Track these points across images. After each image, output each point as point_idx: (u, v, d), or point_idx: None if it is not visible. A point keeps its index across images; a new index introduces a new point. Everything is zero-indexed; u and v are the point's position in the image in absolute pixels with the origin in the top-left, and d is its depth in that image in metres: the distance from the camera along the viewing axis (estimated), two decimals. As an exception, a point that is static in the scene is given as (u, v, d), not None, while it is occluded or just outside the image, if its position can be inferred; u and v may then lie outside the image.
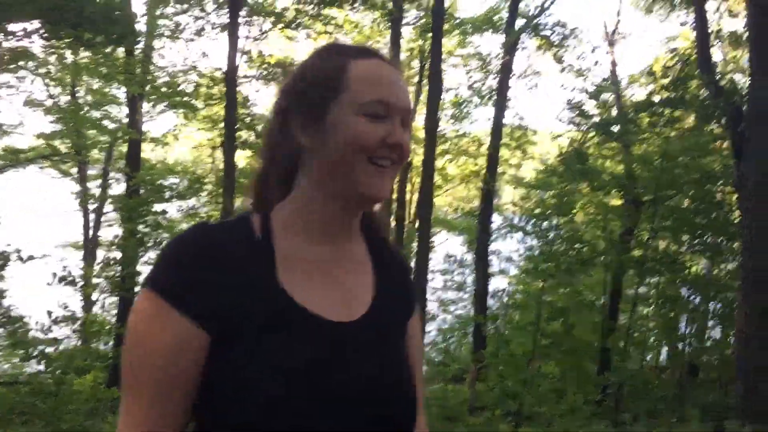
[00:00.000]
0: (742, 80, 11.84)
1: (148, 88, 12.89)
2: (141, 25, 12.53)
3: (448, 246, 21.31)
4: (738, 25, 13.54)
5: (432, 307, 18.48)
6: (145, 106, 14.09)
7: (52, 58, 13.63)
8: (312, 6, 13.12)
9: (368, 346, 1.07)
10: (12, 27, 8.60)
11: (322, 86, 1.07)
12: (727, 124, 9.40)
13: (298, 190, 1.10)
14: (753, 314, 8.46)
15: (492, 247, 15.47)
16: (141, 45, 12.21)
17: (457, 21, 16.40)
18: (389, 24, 13.90)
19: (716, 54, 13.18)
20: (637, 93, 15.30)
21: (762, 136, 8.06)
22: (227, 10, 12.02)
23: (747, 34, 9.13)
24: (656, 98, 11.43)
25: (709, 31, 10.30)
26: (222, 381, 0.96)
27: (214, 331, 0.97)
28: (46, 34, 8.25)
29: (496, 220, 15.89)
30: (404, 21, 14.03)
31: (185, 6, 13.32)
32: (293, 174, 1.12)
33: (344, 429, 0.99)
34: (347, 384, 1.01)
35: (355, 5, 13.48)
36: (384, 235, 1.23)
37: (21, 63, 12.17)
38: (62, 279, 8.13)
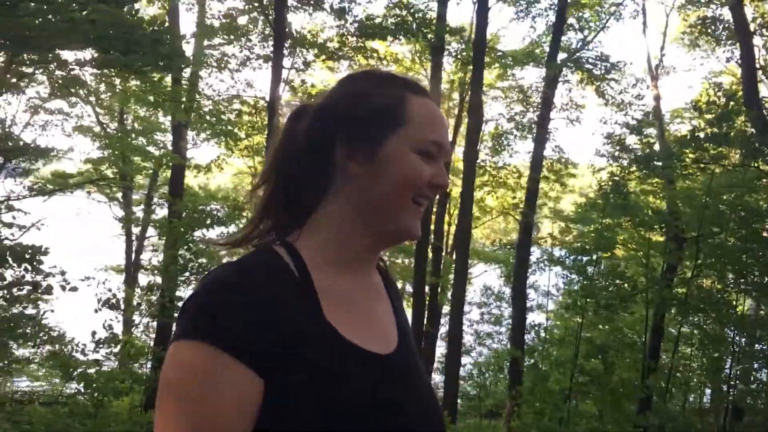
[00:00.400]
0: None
1: (193, 116, 13.17)
2: (188, 53, 12.87)
3: (485, 278, 21.16)
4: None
5: (468, 339, 18.29)
6: (190, 134, 14.40)
7: (102, 86, 14.07)
8: (354, 38, 13.33)
9: (410, 376, 1.08)
10: (65, 55, 8.89)
11: (383, 115, 1.06)
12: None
13: (326, 218, 1.07)
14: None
15: (530, 280, 15.31)
16: (187, 73, 12.51)
17: (499, 54, 16.47)
18: (430, 56, 14.02)
19: (763, 90, 12.98)
20: (680, 128, 15.13)
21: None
22: (271, 41, 12.29)
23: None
24: (701, 134, 11.27)
25: (756, 66, 10.16)
26: (279, 423, 0.92)
27: (270, 375, 0.92)
28: (96, 63, 8.49)
29: (535, 253, 15.75)
30: (445, 52, 14.14)
31: (231, 37, 13.65)
32: (310, 201, 1.08)
33: None
34: (407, 416, 1.02)
35: (398, 37, 13.64)
36: (386, 267, 1.24)
37: (72, 90, 12.56)
38: (106, 302, 8.28)
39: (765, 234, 10.52)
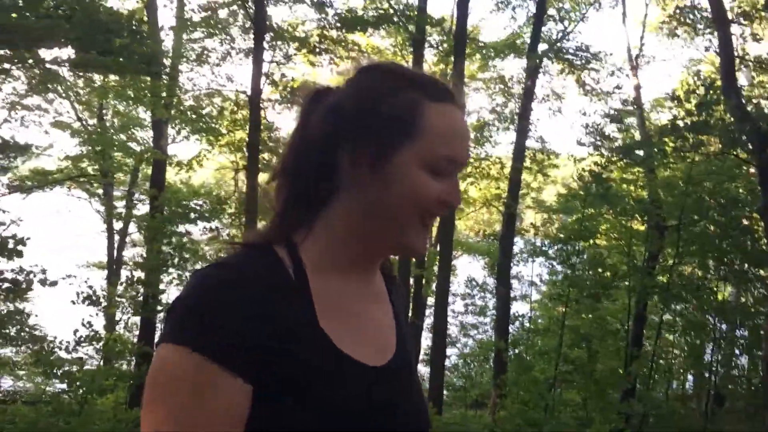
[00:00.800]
0: (768, 105, 11.74)
1: (173, 111, 13.06)
2: (167, 45, 12.77)
3: (469, 269, 21.23)
4: (763, 49, 13.48)
5: (453, 331, 18.37)
6: (171, 129, 14.28)
7: (80, 81, 13.92)
8: (335, 31, 13.28)
9: (402, 389, 1.06)
10: (43, 53, 8.77)
11: (393, 126, 0.98)
12: (752, 150, 9.31)
13: (332, 220, 1.02)
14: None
15: (514, 271, 15.38)
16: (167, 67, 12.39)
17: (480, 45, 16.47)
18: (411, 49, 14.01)
19: (741, 78, 13.09)
20: (661, 117, 15.24)
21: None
22: (252, 35, 12.21)
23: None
24: (681, 122, 11.36)
25: (734, 55, 10.24)
26: (270, 423, 0.90)
27: (260, 383, 0.90)
28: (73, 63, 8.37)
29: (518, 243, 15.83)
30: (426, 44, 14.12)
31: (211, 31, 13.54)
32: (317, 199, 1.03)
33: None
34: (403, 416, 1.02)
35: (379, 30, 13.61)
36: (389, 264, 1.19)
37: (50, 86, 12.42)
38: (86, 298, 8.22)
39: (744, 222, 10.65)
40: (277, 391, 0.90)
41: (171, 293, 10.57)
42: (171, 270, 10.47)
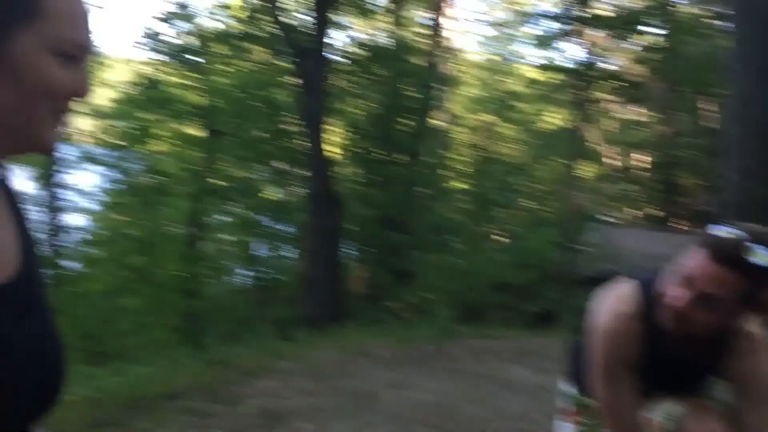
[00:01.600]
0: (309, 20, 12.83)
1: None
2: None
3: (14, 181, 19.20)
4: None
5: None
6: None
7: None
8: None
9: (29, 308, 0.89)
10: None
11: (10, 5, 0.81)
12: (294, 61, 10.14)
13: None
14: (317, 234, 9.56)
15: (66, 180, 14.42)
16: None
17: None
18: None
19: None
20: (215, 25, 15.45)
21: (319, 74, 9.05)
22: None
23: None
24: (233, 31, 11.71)
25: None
26: None
27: None
28: None
29: (70, 151, 14.83)
30: None
31: None
32: None
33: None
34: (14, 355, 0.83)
35: None
36: (6, 173, 1.00)
37: None
38: None
39: (286, 127, 11.65)
40: None
41: None
42: None
